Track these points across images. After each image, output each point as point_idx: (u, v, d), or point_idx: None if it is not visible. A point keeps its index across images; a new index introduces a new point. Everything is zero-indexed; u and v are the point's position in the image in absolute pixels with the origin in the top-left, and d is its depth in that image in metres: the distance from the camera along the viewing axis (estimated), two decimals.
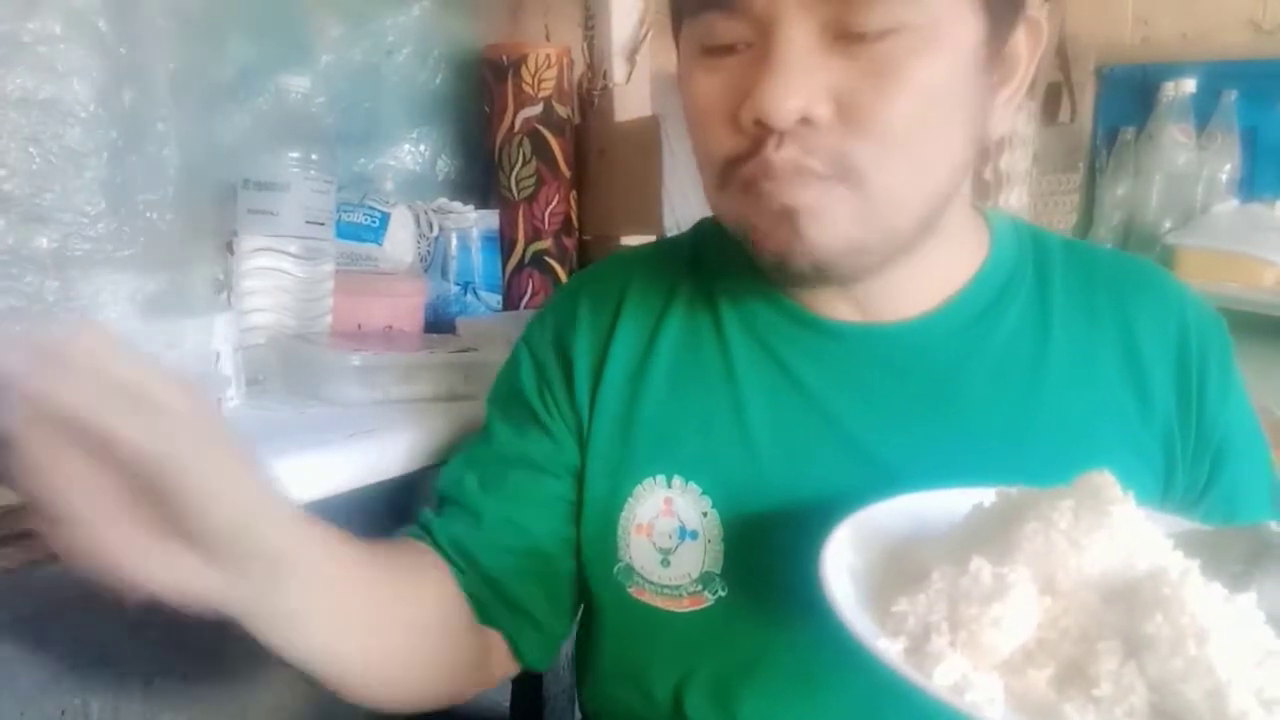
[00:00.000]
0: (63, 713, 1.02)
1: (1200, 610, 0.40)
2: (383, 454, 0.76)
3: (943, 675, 0.40)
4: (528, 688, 1.24)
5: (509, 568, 0.64)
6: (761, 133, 0.53)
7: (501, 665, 0.66)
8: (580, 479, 0.66)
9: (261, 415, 0.82)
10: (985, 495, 0.51)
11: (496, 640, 0.66)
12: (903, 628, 0.43)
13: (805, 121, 0.52)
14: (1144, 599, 0.41)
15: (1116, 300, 0.65)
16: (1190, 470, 0.63)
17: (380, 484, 0.77)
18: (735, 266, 0.66)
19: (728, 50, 0.55)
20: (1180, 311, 0.65)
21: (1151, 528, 0.45)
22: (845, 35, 0.52)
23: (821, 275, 0.57)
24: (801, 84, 0.51)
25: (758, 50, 0.53)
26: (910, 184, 0.55)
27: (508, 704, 1.30)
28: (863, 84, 0.52)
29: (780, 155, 0.53)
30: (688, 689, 0.63)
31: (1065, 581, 0.43)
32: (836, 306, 0.63)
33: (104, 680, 1.05)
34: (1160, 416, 0.63)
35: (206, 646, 1.17)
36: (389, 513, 0.87)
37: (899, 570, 0.47)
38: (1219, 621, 0.40)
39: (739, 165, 0.55)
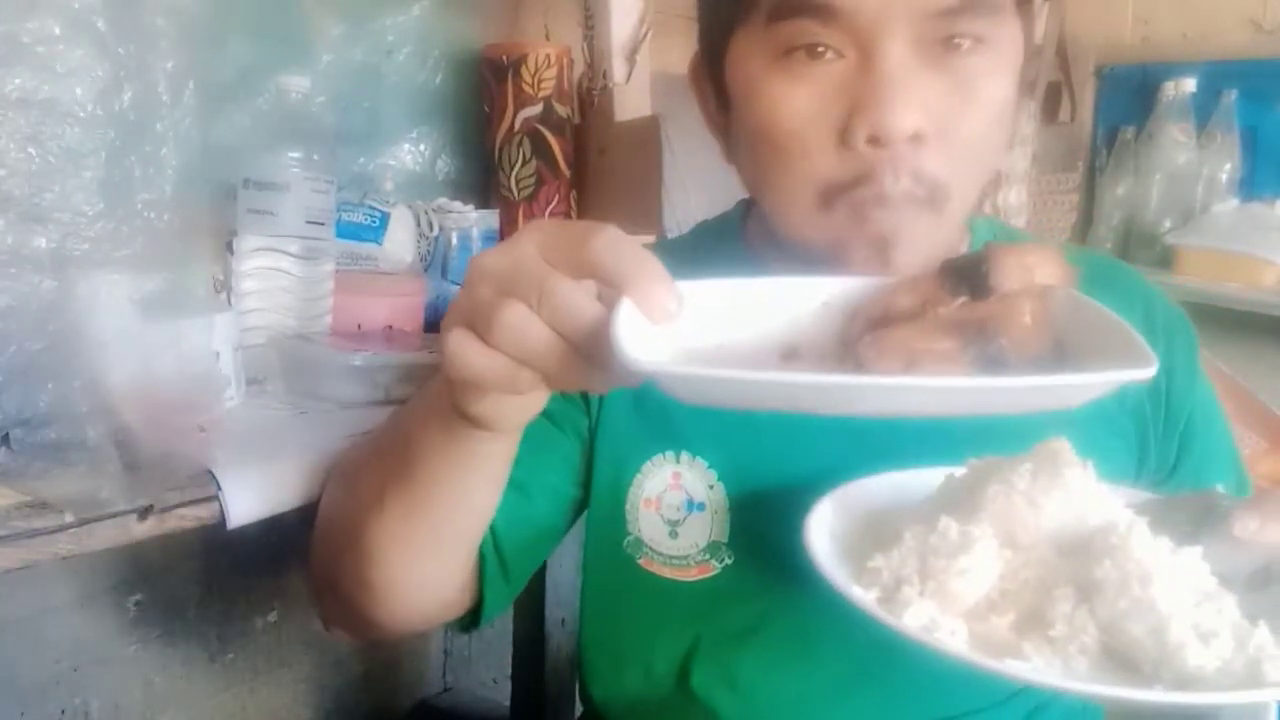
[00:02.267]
0: (62, 712, 1.02)
1: (1144, 557, 0.44)
2: None
3: (913, 618, 0.44)
4: (528, 688, 1.24)
5: (506, 514, 0.65)
6: (874, 151, 0.53)
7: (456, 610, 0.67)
8: (589, 456, 0.67)
9: (261, 415, 0.82)
10: (960, 469, 0.54)
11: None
12: (877, 581, 0.47)
13: (916, 138, 0.53)
14: (1094, 549, 0.45)
15: (1089, 294, 0.67)
16: (1160, 448, 0.68)
17: None
18: (736, 264, 0.68)
19: (812, 55, 0.54)
20: (1147, 303, 0.69)
21: (1102, 488, 0.49)
22: (938, 48, 0.53)
23: None
24: (914, 99, 0.52)
25: (856, 62, 0.54)
26: (970, 199, 0.58)
27: (508, 704, 1.30)
28: (952, 100, 0.54)
29: (899, 188, 0.54)
30: (694, 659, 0.65)
31: (1024, 536, 0.47)
32: None
33: (104, 680, 1.05)
34: (1134, 399, 0.67)
35: (207, 646, 1.17)
36: None
37: (878, 534, 0.51)
38: (1161, 567, 0.43)
39: (848, 190, 0.55)
